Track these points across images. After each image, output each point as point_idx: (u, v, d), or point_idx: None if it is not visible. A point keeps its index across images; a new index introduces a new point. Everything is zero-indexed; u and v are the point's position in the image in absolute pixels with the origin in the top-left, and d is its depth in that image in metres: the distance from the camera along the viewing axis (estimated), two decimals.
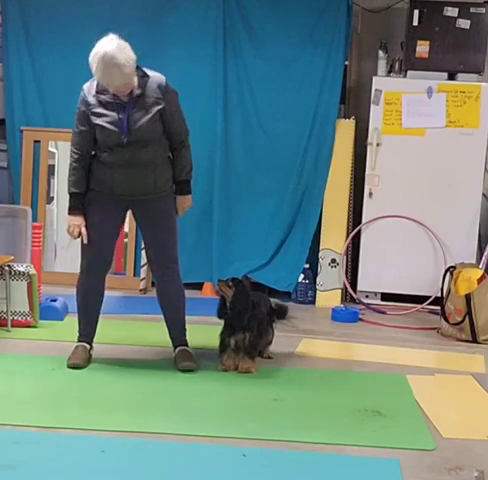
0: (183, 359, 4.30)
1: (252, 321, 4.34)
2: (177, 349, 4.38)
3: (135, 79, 4.04)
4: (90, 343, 4.38)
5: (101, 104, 4.08)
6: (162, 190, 4.22)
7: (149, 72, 4.11)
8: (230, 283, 4.40)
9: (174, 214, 4.33)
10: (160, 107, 4.09)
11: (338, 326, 5.53)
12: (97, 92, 4.08)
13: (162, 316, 4.43)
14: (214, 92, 6.21)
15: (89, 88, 4.14)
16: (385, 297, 6.24)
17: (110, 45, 3.90)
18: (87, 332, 4.38)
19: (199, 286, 6.31)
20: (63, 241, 6.34)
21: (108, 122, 4.07)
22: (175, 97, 4.21)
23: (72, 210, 4.22)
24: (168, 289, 4.37)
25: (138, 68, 4.05)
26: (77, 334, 4.38)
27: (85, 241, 4.22)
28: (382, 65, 6.14)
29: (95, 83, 4.10)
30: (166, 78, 4.18)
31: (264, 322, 4.46)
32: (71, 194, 4.23)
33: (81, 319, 4.39)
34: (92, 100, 4.10)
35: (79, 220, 4.21)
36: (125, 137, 4.06)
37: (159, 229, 4.27)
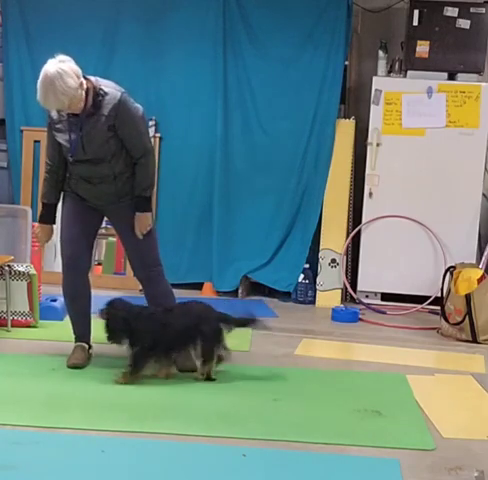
0: (183, 359, 4.29)
1: (136, 334, 4.06)
2: None
3: (82, 99, 3.94)
4: (88, 343, 4.38)
5: (60, 121, 4.06)
6: (127, 199, 4.22)
7: (107, 89, 4.02)
8: (104, 316, 4.13)
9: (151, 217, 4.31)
10: (111, 124, 4.02)
11: (338, 326, 5.52)
12: None
13: None
14: (214, 92, 6.22)
15: None
16: (385, 297, 6.24)
17: (52, 68, 3.85)
18: (82, 333, 4.37)
19: (199, 286, 6.31)
20: None
21: (64, 139, 4.09)
22: (131, 113, 4.08)
23: (40, 220, 4.31)
24: (154, 292, 4.35)
25: (95, 87, 3.98)
26: (73, 335, 4.38)
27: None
28: (382, 65, 6.14)
29: None
30: (124, 94, 4.06)
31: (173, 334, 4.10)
32: (42, 204, 4.30)
33: (73, 321, 4.38)
34: (54, 115, 4.08)
35: (45, 231, 4.30)
36: (72, 156, 4.08)
37: (134, 235, 4.25)
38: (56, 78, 3.83)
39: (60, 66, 3.87)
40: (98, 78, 4.10)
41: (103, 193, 4.18)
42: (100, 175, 4.12)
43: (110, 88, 4.06)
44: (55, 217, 4.31)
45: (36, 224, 4.37)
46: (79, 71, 3.95)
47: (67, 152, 4.11)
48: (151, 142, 4.28)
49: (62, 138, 4.09)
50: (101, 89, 4.01)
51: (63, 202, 4.30)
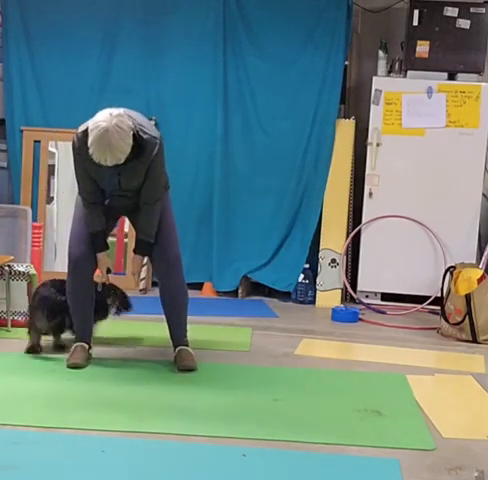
0: (183, 359, 4.30)
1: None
2: (177, 349, 4.37)
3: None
4: (89, 343, 4.38)
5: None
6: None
7: (145, 136, 3.98)
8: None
9: (171, 211, 4.33)
10: (146, 169, 4.06)
11: (338, 326, 5.52)
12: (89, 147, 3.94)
13: (163, 316, 4.43)
14: (214, 92, 6.22)
15: (82, 139, 3.95)
16: (385, 297, 6.24)
17: (109, 126, 3.78)
18: (84, 332, 4.37)
19: (199, 286, 6.31)
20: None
21: (98, 176, 4.07)
22: (161, 164, 4.11)
23: (97, 250, 4.28)
24: (170, 288, 4.36)
25: (134, 133, 3.91)
26: (74, 335, 4.39)
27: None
28: (382, 65, 6.14)
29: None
30: (161, 142, 4.05)
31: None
32: (91, 235, 4.25)
33: (75, 320, 4.38)
34: (85, 153, 3.94)
35: (104, 259, 4.30)
36: (108, 198, 4.16)
37: (157, 231, 4.27)
38: (114, 138, 3.79)
39: (117, 124, 3.81)
40: (130, 113, 4.00)
41: (134, 203, 4.21)
42: (133, 193, 4.17)
43: (148, 134, 4.00)
44: (106, 242, 4.30)
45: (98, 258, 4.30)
46: (131, 125, 3.89)
47: (101, 184, 4.13)
48: (166, 188, 4.31)
49: (96, 175, 4.07)
50: (140, 135, 3.96)
51: (78, 201, 4.28)
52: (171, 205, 4.39)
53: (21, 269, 4.97)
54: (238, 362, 4.48)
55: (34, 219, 5.93)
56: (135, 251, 4.33)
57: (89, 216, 4.22)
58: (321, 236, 6.17)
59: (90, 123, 3.88)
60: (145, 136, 3.99)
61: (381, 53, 6.14)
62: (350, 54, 6.35)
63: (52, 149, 6.41)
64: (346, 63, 6.21)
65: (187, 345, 4.40)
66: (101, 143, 3.81)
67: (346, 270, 6.25)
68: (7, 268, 4.92)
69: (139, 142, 3.95)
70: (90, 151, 3.86)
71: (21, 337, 4.75)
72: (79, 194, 4.25)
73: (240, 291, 6.30)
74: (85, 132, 3.93)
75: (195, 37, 6.21)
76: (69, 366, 4.21)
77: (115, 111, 3.88)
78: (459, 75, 6.05)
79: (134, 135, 3.91)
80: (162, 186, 4.24)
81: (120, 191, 4.17)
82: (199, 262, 6.32)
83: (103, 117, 3.85)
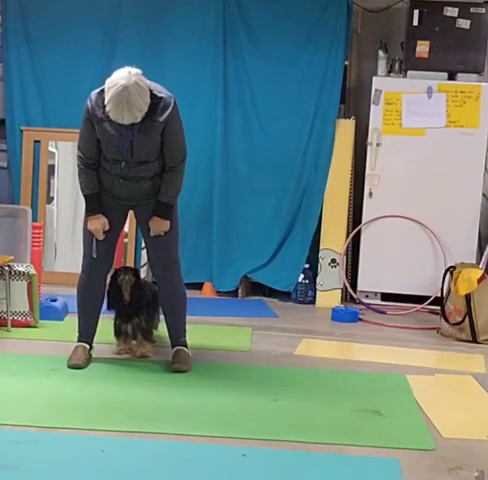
0: (175, 360, 4.29)
1: (144, 307, 4.48)
2: (174, 349, 4.37)
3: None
4: (90, 343, 4.37)
5: (107, 120, 3.97)
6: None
7: (159, 94, 3.99)
8: (131, 273, 4.48)
9: (175, 215, 4.33)
10: (162, 130, 4.03)
11: (338, 326, 5.52)
12: (105, 106, 3.93)
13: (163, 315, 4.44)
14: (214, 92, 6.22)
15: (97, 99, 4.01)
16: (385, 297, 6.24)
17: (127, 83, 3.79)
18: (87, 332, 4.37)
19: (199, 286, 6.31)
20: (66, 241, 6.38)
21: (111, 139, 4.03)
22: (180, 122, 4.08)
23: (92, 213, 4.19)
24: (167, 289, 4.37)
25: (151, 93, 3.92)
26: (77, 334, 4.38)
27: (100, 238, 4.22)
28: (382, 65, 6.15)
29: (104, 95, 3.94)
30: (176, 101, 4.05)
31: (150, 307, 4.55)
32: (87, 196, 4.21)
33: (81, 319, 4.38)
34: (99, 113, 3.99)
35: (101, 221, 4.20)
36: (123, 160, 4.06)
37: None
38: (134, 95, 3.80)
39: (136, 81, 3.82)
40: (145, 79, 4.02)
41: (139, 190, 4.17)
42: (139, 175, 4.12)
43: (162, 94, 4.02)
44: (102, 205, 4.21)
45: (90, 221, 4.19)
46: (148, 84, 3.92)
47: (109, 151, 4.06)
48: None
49: (107, 139, 4.03)
50: (154, 94, 3.96)
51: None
52: (177, 206, 4.36)
53: (21, 269, 4.97)
54: (238, 362, 4.48)
55: (34, 219, 5.93)
56: (154, 213, 4.22)
57: (85, 178, 4.17)
58: (321, 236, 6.17)
59: (107, 82, 3.87)
60: (160, 94, 4.00)
61: (381, 53, 6.14)
62: (350, 54, 6.35)
63: (52, 149, 6.41)
64: (346, 63, 6.21)
65: (184, 345, 4.38)
66: (119, 100, 3.81)
67: (346, 270, 6.25)
68: (7, 268, 4.92)
69: (154, 101, 3.95)
70: (107, 108, 3.86)
71: (21, 337, 4.76)
72: (78, 156, 4.18)
73: (240, 291, 6.30)
74: (100, 92, 3.96)
75: (195, 37, 6.22)
76: (70, 366, 4.21)
77: (133, 70, 3.89)
78: (459, 75, 6.05)
79: (150, 93, 3.92)
80: (183, 146, 4.16)
81: (132, 162, 4.07)
82: (199, 262, 6.33)
83: (121, 75, 3.85)
